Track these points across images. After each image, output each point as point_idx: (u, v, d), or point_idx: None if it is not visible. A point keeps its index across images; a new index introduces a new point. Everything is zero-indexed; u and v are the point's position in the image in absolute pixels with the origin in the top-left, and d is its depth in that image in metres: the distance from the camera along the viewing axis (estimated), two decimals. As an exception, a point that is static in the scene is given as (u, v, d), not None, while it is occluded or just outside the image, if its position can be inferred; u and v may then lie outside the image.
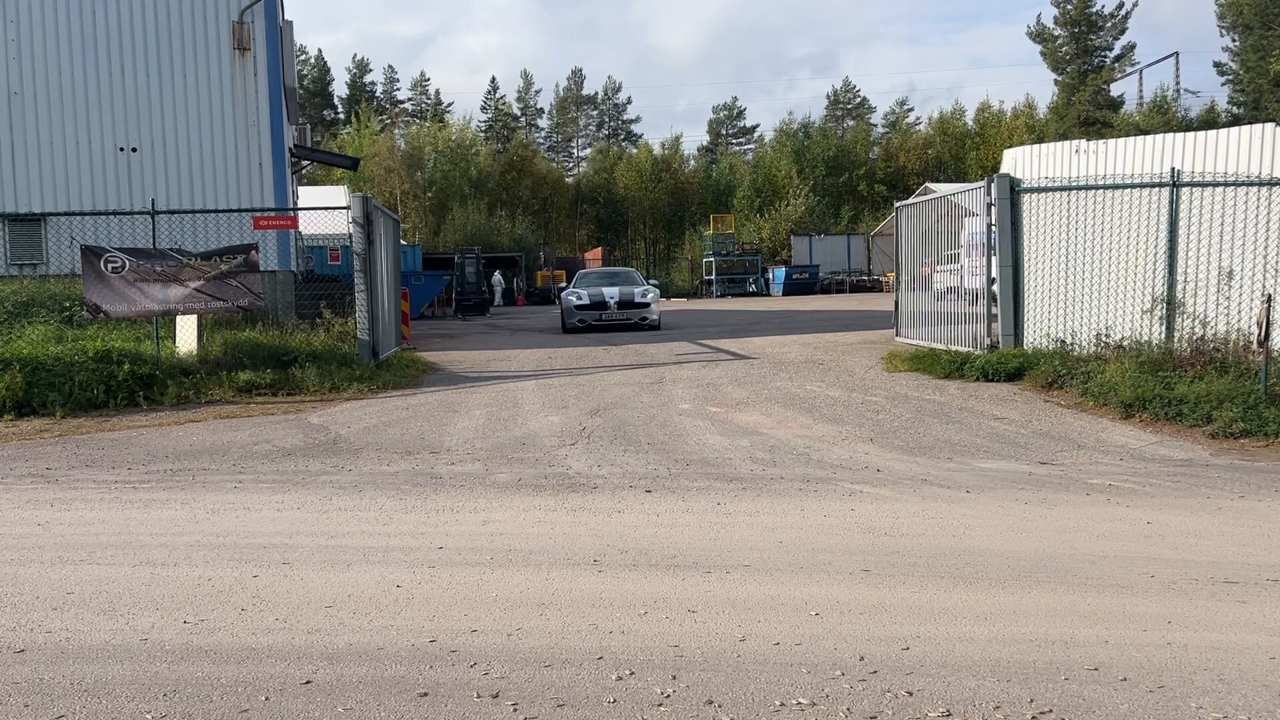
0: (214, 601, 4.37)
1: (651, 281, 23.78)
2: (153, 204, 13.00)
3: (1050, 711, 3.20)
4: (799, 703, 3.28)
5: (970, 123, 60.75)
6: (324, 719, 3.21)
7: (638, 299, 20.21)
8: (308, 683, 3.49)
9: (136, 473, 7.36)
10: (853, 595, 4.35)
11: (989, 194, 11.96)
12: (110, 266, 11.48)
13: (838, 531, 5.44)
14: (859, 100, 76.40)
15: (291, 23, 19.67)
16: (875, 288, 42.94)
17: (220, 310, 12.15)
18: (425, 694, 3.39)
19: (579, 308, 20.20)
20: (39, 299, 13.83)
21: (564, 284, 27.22)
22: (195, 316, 12.17)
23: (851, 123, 71.52)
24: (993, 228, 11.95)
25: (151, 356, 11.40)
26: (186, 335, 12.26)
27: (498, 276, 41.49)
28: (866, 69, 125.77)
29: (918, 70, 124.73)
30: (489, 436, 8.59)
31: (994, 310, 12.08)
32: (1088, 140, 14.72)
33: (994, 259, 11.99)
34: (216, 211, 14.52)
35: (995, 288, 12.04)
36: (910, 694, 3.33)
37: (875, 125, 67.16)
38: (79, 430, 9.29)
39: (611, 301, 19.99)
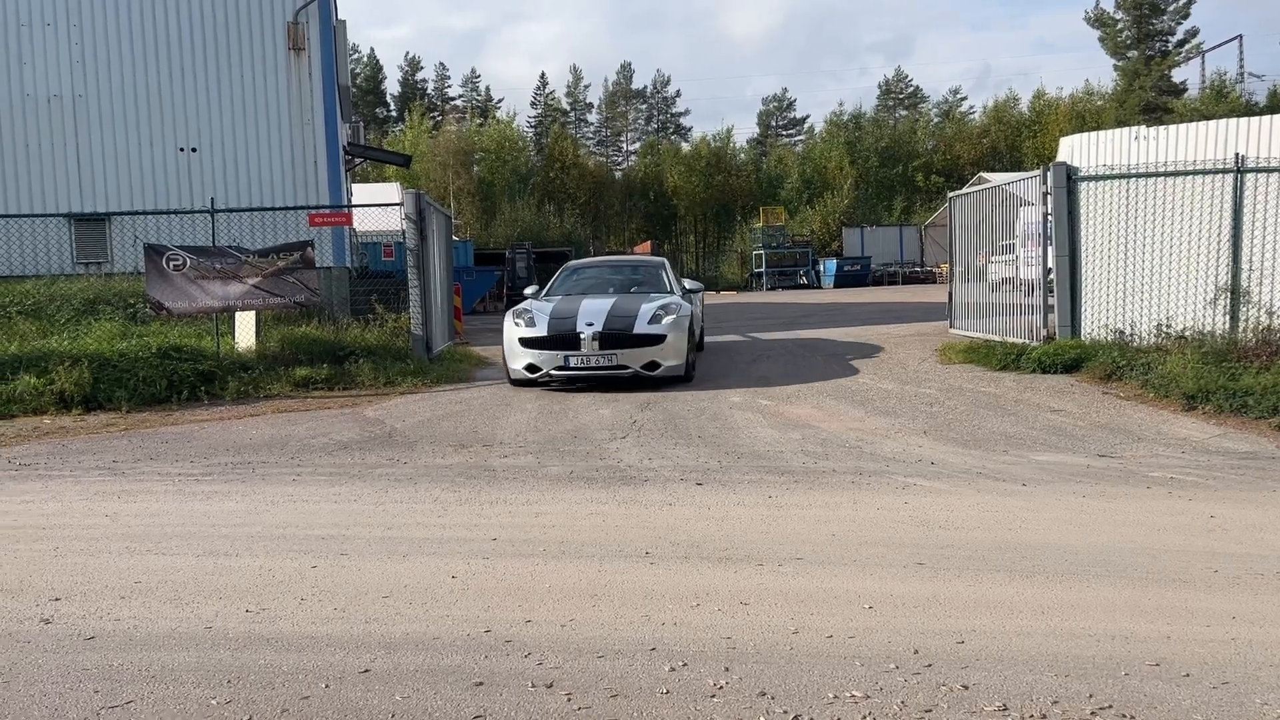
0: (275, 591, 4.47)
1: (687, 283, 13.15)
2: (212, 203, 13.27)
3: (1110, 707, 3.16)
4: (853, 695, 3.27)
5: (1026, 110, 59.62)
6: (382, 706, 3.27)
7: (642, 328, 10.73)
8: (366, 671, 3.56)
9: (199, 466, 7.53)
10: (906, 588, 4.32)
11: (1045, 183, 11.76)
12: (172, 264, 11.75)
13: (891, 524, 5.40)
14: (911, 90, 75.51)
15: (345, 22, 19.94)
16: (928, 279, 42.34)
17: (278, 306, 12.37)
18: (480, 683, 3.43)
19: (527, 343, 10.86)
20: (105, 296, 14.21)
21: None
22: (254, 313, 12.41)
23: (904, 112, 70.65)
24: (1049, 217, 11.75)
25: (212, 352, 11.65)
26: (245, 331, 12.52)
27: None
28: (931, 56, 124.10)
29: (984, 55, 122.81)
30: (540, 430, 8.66)
31: (1050, 301, 11.88)
32: (1147, 126, 14.41)
33: (1050, 249, 11.80)
34: (273, 209, 14.78)
35: (1051, 278, 11.84)
36: (966, 688, 3.30)
37: (931, 117, 66.14)
38: (144, 424, 9.53)
39: (588, 332, 10.59)
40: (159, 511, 6.12)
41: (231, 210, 13.98)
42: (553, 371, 10.76)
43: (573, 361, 10.65)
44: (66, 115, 16.93)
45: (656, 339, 10.75)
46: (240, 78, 17.23)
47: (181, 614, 4.20)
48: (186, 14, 17.10)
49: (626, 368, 10.65)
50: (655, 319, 10.88)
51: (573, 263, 14.54)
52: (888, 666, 3.49)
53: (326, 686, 3.44)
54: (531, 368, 10.82)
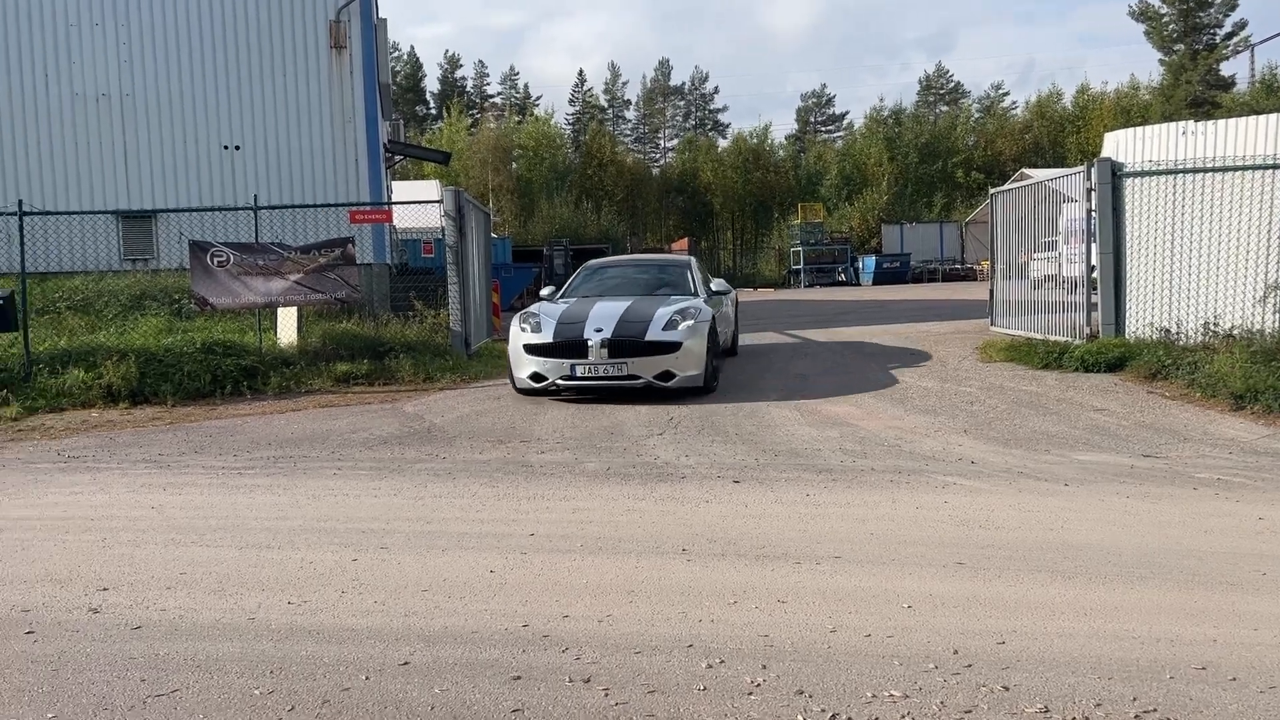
0: (316, 583, 4.52)
1: (715, 283, 12.14)
2: (255, 200, 13.46)
3: (1154, 710, 3.11)
4: (891, 695, 3.25)
5: (1069, 105, 58.77)
6: (421, 699, 3.30)
7: (655, 335, 9.87)
8: (405, 664, 3.59)
9: (242, 459, 7.64)
10: (946, 588, 4.28)
11: (1089, 179, 11.59)
12: (216, 260, 11.92)
13: (930, 524, 5.35)
14: (952, 85, 74.82)
15: (385, 20, 20.12)
16: (969, 276, 41.95)
17: (319, 302, 12.51)
18: (519, 677, 3.45)
19: (532, 350, 10.12)
20: (151, 292, 14.49)
21: None
22: (295, 308, 12.57)
23: (945, 108, 69.97)
24: (1093, 213, 11.58)
25: (254, 347, 11.82)
26: (287, 327, 12.68)
27: None
28: (974, 50, 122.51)
29: (1028, 50, 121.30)
30: (578, 426, 8.68)
31: (1094, 299, 11.71)
32: (1195, 121, 14.17)
33: (1094, 246, 11.63)
34: (315, 206, 14.98)
35: (1095, 275, 11.67)
36: (1006, 689, 3.27)
37: (972, 113, 65.40)
38: (188, 418, 9.68)
39: (596, 339, 9.79)
40: (203, 504, 6.22)
41: (274, 207, 14.16)
42: (559, 381, 9.89)
43: (579, 371, 9.78)
44: (114, 114, 17.25)
45: (671, 346, 9.82)
46: (283, 76, 17.46)
47: (225, 605, 4.27)
48: (230, 13, 17.35)
49: (638, 378, 9.76)
50: (671, 325, 9.94)
51: (594, 261, 13.44)
52: (927, 666, 3.47)
53: (367, 678, 3.47)
54: (536, 376, 10.00)
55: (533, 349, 10.08)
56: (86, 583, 4.61)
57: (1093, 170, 11.57)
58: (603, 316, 10.14)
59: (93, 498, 6.47)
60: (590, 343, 9.76)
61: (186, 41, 17.32)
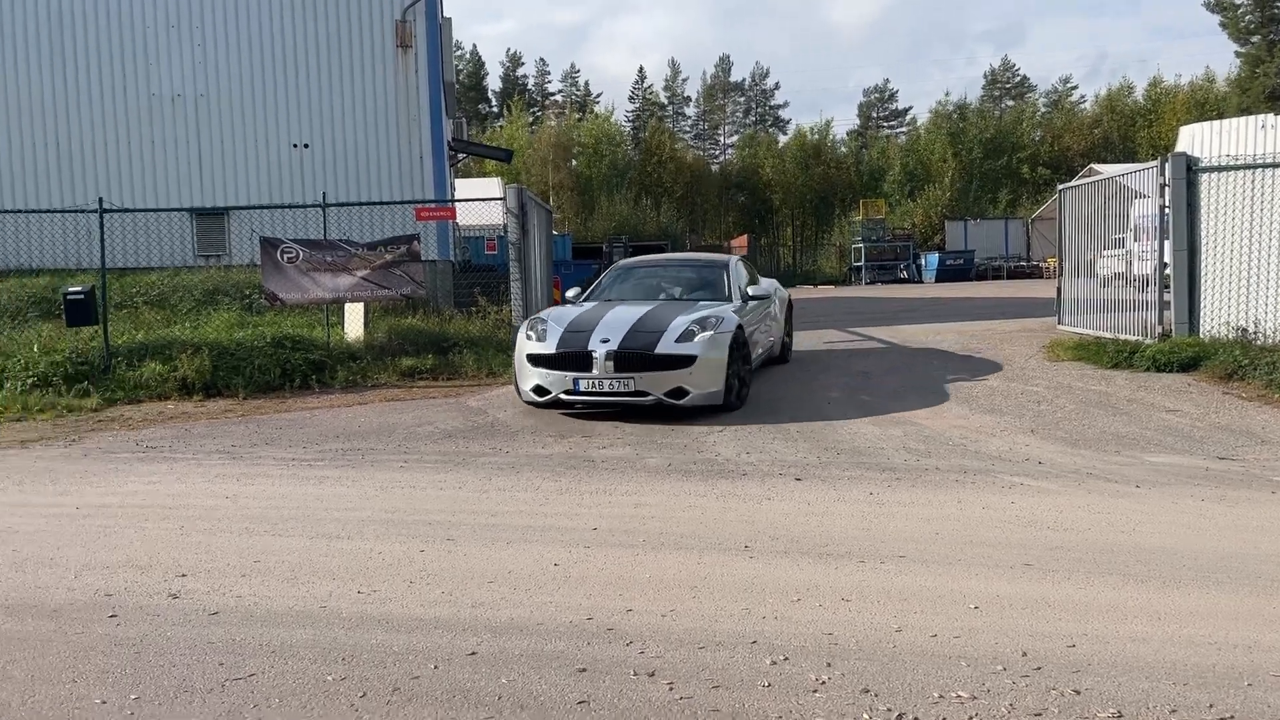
0: (384, 574, 4.61)
1: (756, 288, 10.83)
2: (323, 197, 13.71)
3: (1232, 717, 3.04)
4: (958, 695, 3.22)
5: (1140, 99, 57.30)
6: (489, 689, 3.35)
7: (667, 347, 8.81)
8: (473, 654, 3.65)
9: (311, 451, 7.81)
10: (1014, 589, 4.23)
11: (1162, 174, 11.31)
12: (286, 257, 12.18)
13: (997, 524, 5.29)
14: (1019, 79, 73.42)
15: (450, 19, 20.35)
16: (1035, 274, 41.13)
17: (385, 298, 12.71)
18: (584, 669, 3.49)
19: (535, 360, 9.13)
20: (223, 287, 14.85)
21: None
22: (362, 304, 12.79)
23: (1010, 103, 68.69)
24: (1166, 210, 11.30)
25: (322, 342, 12.06)
26: (354, 322, 12.91)
27: None
28: (1043, 43, 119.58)
29: (1099, 43, 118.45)
30: (638, 421, 8.71)
31: (1166, 297, 11.43)
32: (1274, 115, 13.77)
33: (1167, 243, 11.35)
34: (381, 204, 15.23)
35: (1168, 273, 11.38)
36: (1077, 692, 3.22)
37: (1039, 107, 64.05)
38: (259, 411, 9.92)
39: (601, 350, 8.79)
40: (275, 494, 6.37)
41: (342, 204, 14.43)
42: (562, 396, 8.92)
43: (583, 385, 8.80)
44: (189, 114, 17.71)
45: (684, 361, 8.72)
46: (350, 76, 17.77)
47: (298, 593, 4.38)
48: (300, 14, 17.71)
49: (647, 394, 8.68)
50: (686, 335, 8.85)
51: (625, 261, 12.51)
52: (995, 668, 3.43)
53: (435, 667, 3.54)
54: (540, 390, 9.01)
55: (536, 359, 9.10)
56: (166, 569, 4.76)
57: (1167, 165, 11.29)
58: (613, 325, 9.12)
59: (170, 487, 6.67)
60: (595, 354, 8.78)
61: (258, 43, 17.71)
